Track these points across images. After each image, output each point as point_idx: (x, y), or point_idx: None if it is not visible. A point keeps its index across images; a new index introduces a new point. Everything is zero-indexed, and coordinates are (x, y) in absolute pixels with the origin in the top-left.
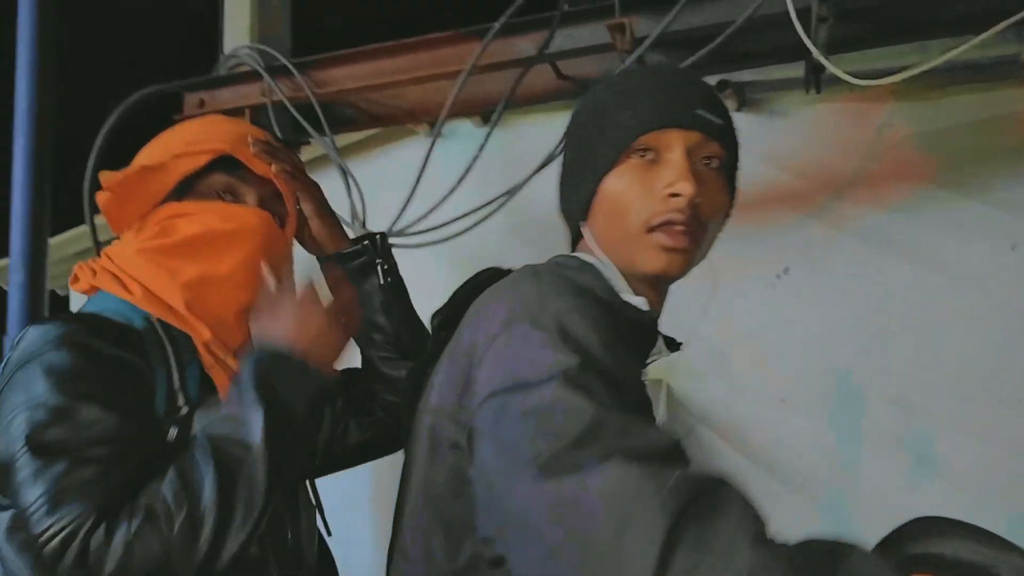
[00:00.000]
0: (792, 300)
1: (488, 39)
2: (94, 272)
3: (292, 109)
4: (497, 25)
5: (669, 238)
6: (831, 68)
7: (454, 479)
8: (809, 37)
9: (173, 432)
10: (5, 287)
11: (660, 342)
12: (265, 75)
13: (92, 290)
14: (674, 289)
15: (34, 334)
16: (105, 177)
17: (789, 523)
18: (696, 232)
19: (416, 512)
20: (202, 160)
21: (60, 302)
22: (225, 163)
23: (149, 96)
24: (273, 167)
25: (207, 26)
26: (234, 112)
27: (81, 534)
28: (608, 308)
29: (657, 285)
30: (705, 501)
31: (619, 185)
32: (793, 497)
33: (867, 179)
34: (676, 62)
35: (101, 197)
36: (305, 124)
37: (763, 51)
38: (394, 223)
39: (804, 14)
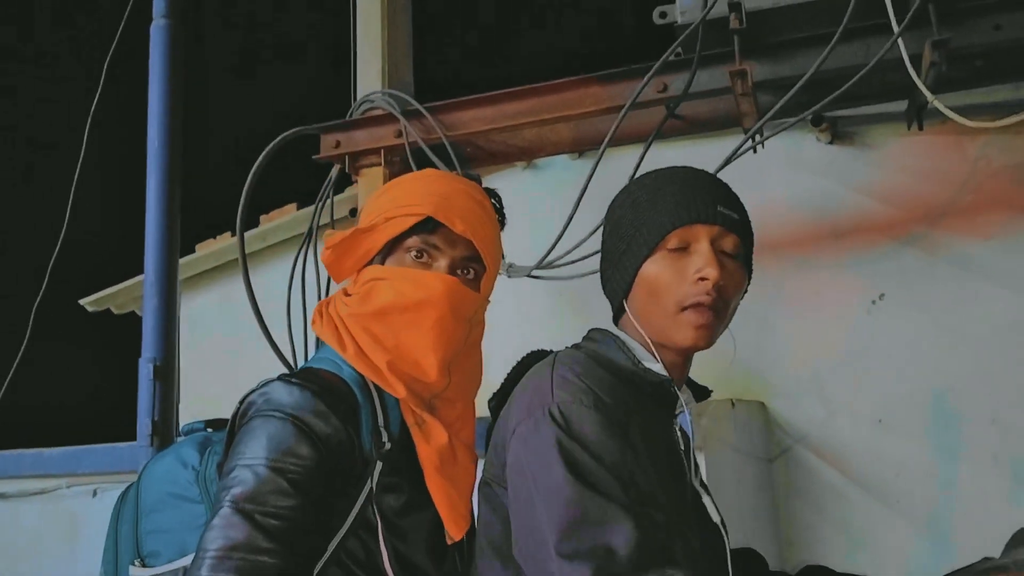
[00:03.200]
0: (888, 325)
1: (651, 75)
2: (321, 316)
3: (427, 150)
4: (654, 66)
5: (699, 316)
6: (944, 111)
7: (503, 526)
8: (921, 80)
9: (378, 467)
10: (118, 311)
11: (688, 394)
12: (401, 118)
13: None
14: (765, 316)
15: (277, 391)
16: (329, 237)
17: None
18: (721, 310)
19: (480, 553)
20: (407, 224)
21: None
22: (426, 223)
23: (291, 137)
24: None
25: (341, 72)
26: (369, 152)
27: None
28: (625, 375)
29: (685, 353)
30: None
31: (655, 271)
32: (892, 515)
33: (962, 208)
34: (793, 106)
35: (323, 254)
36: (439, 163)
37: (871, 92)
38: (545, 256)
39: (915, 59)
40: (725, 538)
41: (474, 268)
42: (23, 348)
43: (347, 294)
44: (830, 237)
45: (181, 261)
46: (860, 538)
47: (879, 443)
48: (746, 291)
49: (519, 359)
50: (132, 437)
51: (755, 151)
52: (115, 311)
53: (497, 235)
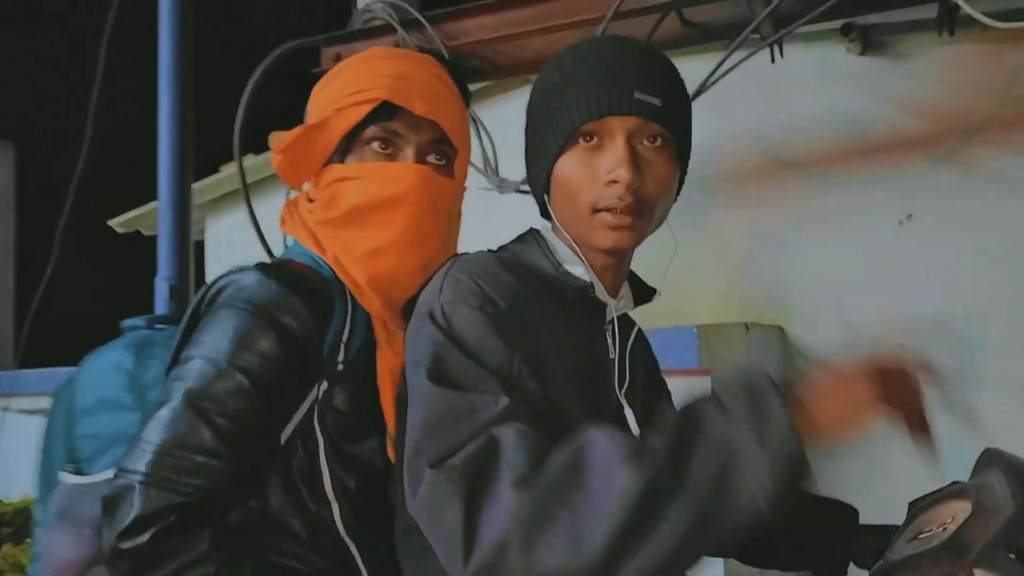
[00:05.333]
0: (915, 247)
1: None
2: (292, 215)
3: None
4: None
5: (613, 218)
6: (968, 9)
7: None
8: None
9: (323, 387)
10: (145, 231)
11: (626, 295)
12: (399, 28)
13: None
14: (785, 237)
15: (249, 282)
16: (275, 140)
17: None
18: (641, 210)
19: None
20: (362, 112)
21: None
22: (383, 109)
23: (289, 51)
24: None
25: None
26: None
27: (162, 512)
28: (546, 279)
29: (612, 255)
30: (483, 467)
31: (568, 169)
32: (910, 444)
33: (999, 123)
34: (807, 8)
35: (274, 160)
36: None
37: None
38: None
39: None
40: None
41: (445, 152)
42: (51, 268)
43: (310, 199)
44: (858, 154)
45: (206, 182)
46: (879, 467)
47: None
48: (680, 183)
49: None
50: None
51: (773, 60)
52: (145, 232)
53: (463, 112)
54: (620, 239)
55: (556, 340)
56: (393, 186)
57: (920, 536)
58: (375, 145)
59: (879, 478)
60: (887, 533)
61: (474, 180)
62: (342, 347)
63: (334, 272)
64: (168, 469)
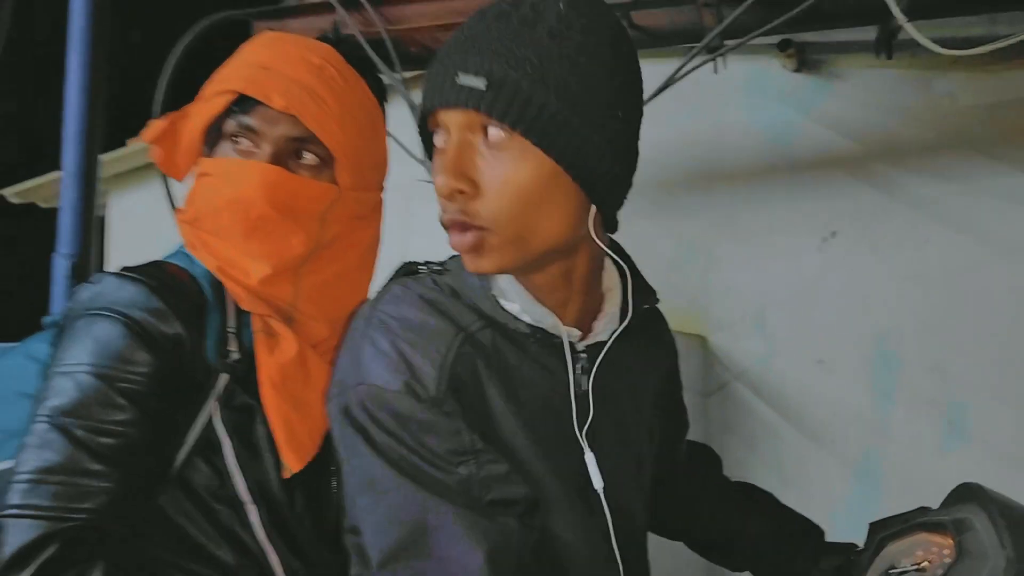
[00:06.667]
0: (838, 264)
1: None
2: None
3: (365, 44)
4: None
5: (454, 239)
6: (914, 34)
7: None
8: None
9: (223, 380)
10: (42, 203)
11: (610, 312)
12: (339, 7)
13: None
14: (710, 248)
15: (105, 287)
16: (146, 132)
17: (821, 482)
18: (481, 227)
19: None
20: (220, 104)
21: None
22: (241, 101)
23: (218, 23)
24: None
25: None
26: None
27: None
28: (485, 318)
29: (535, 270)
30: None
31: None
32: (825, 456)
33: (924, 147)
34: (756, 22)
35: (153, 154)
36: (377, 60)
37: (841, 13)
38: None
39: None
40: (603, 501)
41: (316, 152)
42: None
43: None
44: (786, 169)
45: (112, 155)
46: (791, 477)
47: (818, 384)
48: (593, 178)
49: (392, 273)
50: None
51: (715, 71)
52: (42, 204)
53: (348, 110)
54: (475, 264)
55: (508, 397)
56: (234, 186)
57: (891, 572)
58: (232, 140)
59: (792, 487)
60: (847, 552)
61: (412, 171)
62: (231, 337)
63: (207, 269)
64: (38, 497)
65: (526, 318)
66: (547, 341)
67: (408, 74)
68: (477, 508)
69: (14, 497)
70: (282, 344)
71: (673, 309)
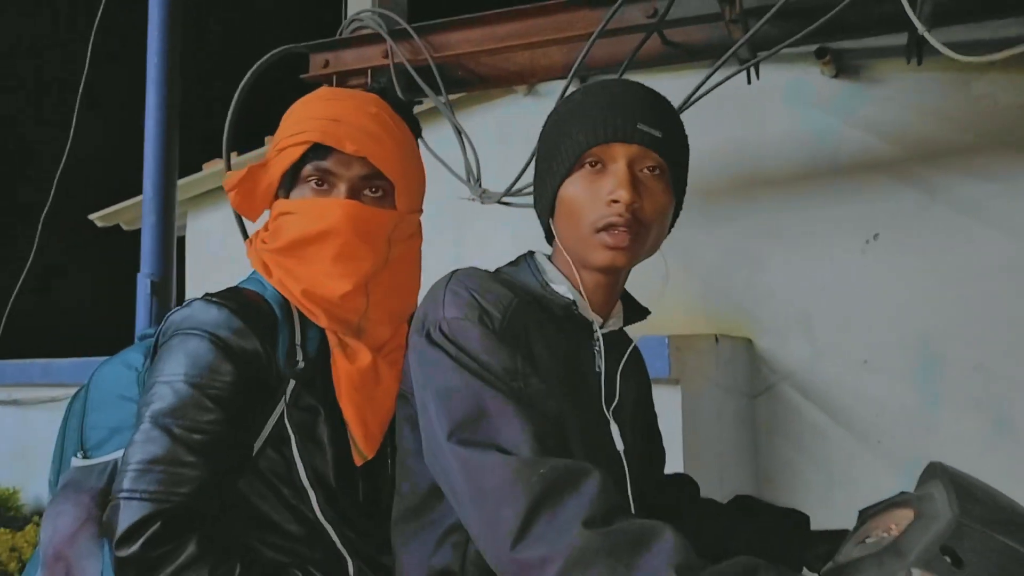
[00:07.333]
0: (879, 266)
1: (617, 7)
2: (251, 245)
3: (412, 71)
4: None
5: (611, 238)
6: (933, 43)
7: (413, 440)
8: (914, 11)
9: (291, 384)
10: (126, 226)
11: (618, 314)
12: (388, 38)
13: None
14: (754, 252)
15: (194, 310)
16: (226, 181)
17: (869, 482)
18: (638, 231)
19: (400, 468)
20: (296, 154)
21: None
22: (316, 149)
23: (279, 56)
24: None
25: None
26: (356, 73)
27: (153, 516)
28: (534, 297)
29: (608, 274)
30: (564, 487)
31: (572, 191)
32: (871, 456)
33: (963, 149)
34: (783, 34)
35: (231, 198)
36: (424, 86)
37: (866, 23)
38: (514, 184)
39: None
40: (625, 467)
41: (380, 186)
42: (31, 259)
43: (267, 229)
44: (828, 174)
45: (188, 180)
46: (838, 477)
47: (863, 384)
48: (676, 214)
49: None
50: None
51: (749, 82)
52: (124, 227)
53: (401, 147)
54: (615, 258)
55: (547, 350)
56: (323, 221)
57: (866, 540)
58: (312, 182)
59: (839, 488)
60: (837, 538)
61: (459, 190)
62: (298, 349)
63: (278, 292)
64: (145, 483)
65: (569, 296)
66: (579, 322)
67: (453, 96)
68: (525, 404)
69: (125, 483)
70: (359, 353)
71: (719, 313)
